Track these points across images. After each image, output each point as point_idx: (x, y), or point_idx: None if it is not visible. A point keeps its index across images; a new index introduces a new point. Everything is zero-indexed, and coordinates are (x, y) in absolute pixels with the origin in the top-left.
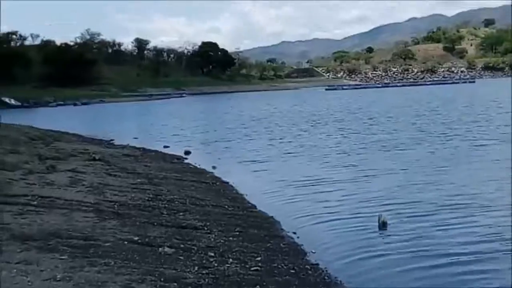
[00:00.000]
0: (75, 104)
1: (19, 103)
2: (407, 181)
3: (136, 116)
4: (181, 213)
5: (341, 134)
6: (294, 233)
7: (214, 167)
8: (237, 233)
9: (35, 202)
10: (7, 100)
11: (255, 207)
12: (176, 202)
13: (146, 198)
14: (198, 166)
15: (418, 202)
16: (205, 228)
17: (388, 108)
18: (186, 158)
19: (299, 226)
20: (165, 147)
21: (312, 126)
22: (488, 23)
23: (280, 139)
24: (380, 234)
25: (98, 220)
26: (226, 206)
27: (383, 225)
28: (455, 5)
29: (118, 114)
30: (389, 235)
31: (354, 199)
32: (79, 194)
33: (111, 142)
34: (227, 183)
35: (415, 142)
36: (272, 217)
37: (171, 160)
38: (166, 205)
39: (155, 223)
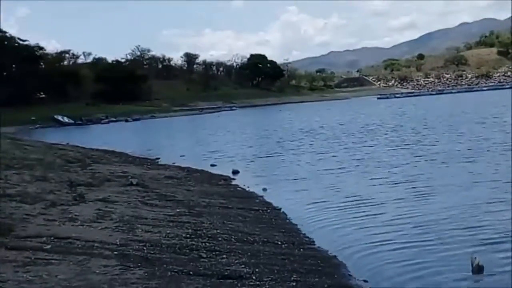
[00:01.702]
0: (126, 120)
1: (72, 121)
2: (479, 199)
3: (185, 131)
4: (224, 256)
5: (397, 146)
6: (366, 281)
7: (264, 189)
8: (294, 283)
9: (48, 246)
10: (60, 118)
11: (313, 242)
12: (220, 239)
13: (184, 235)
14: (247, 189)
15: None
16: (254, 277)
17: (447, 116)
18: (233, 179)
19: (369, 268)
20: (212, 165)
21: (364, 137)
22: None
23: (332, 153)
24: (476, 281)
25: (120, 270)
26: (279, 243)
27: (478, 270)
28: (507, 8)
29: (168, 129)
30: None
31: (426, 227)
32: (104, 232)
33: (156, 161)
34: (279, 209)
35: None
36: (335, 257)
37: (217, 181)
38: (207, 244)
39: (191, 272)
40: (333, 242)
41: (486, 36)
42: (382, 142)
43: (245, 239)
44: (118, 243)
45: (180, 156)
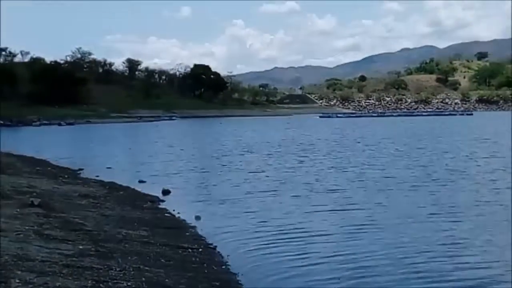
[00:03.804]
0: (60, 124)
1: (0, 122)
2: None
3: (119, 139)
4: None
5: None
6: None
7: (197, 218)
8: None
9: None
10: None
11: None
12: None
13: None
14: (177, 215)
15: None
16: None
17: (402, 140)
18: (162, 201)
19: None
20: (141, 182)
21: (307, 157)
22: (481, 56)
23: (270, 171)
24: None
25: None
26: None
27: None
28: (447, 38)
29: (101, 136)
30: None
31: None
32: None
33: (78, 172)
34: (214, 248)
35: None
36: None
37: (142, 203)
38: None
39: None
40: None
41: (426, 63)
42: (324, 163)
43: None
44: None
45: (107, 167)
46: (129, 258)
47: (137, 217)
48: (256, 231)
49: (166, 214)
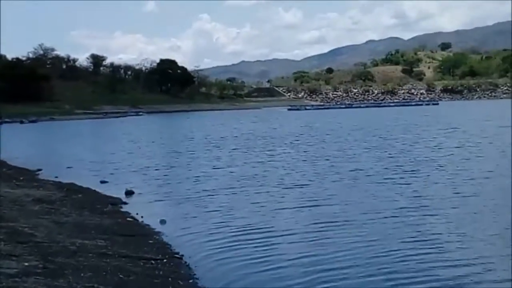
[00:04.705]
0: (21, 122)
1: None
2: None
3: (83, 136)
4: None
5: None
6: None
7: (162, 222)
8: None
9: None
10: None
11: None
12: None
13: None
14: (140, 220)
15: None
16: None
17: (387, 131)
18: (125, 203)
19: None
20: (103, 182)
21: (275, 150)
22: (445, 46)
23: (237, 167)
24: None
25: None
26: None
27: None
28: (411, 29)
29: (64, 133)
30: None
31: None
32: None
33: (36, 173)
34: (181, 258)
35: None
36: None
37: (103, 207)
38: None
39: None
40: None
41: (391, 54)
42: (293, 156)
43: None
44: None
45: (67, 167)
46: (82, 275)
47: (95, 224)
48: (223, 234)
49: (128, 219)
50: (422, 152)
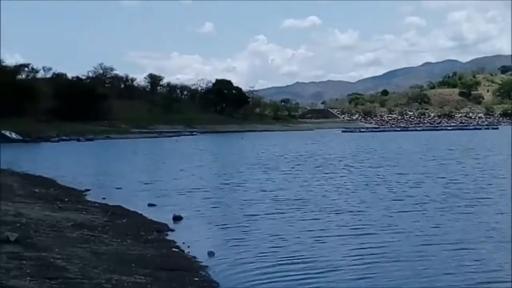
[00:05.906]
0: (78, 140)
1: (20, 137)
2: None
3: (136, 155)
4: None
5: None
6: None
7: (211, 254)
8: None
9: None
10: (7, 133)
11: None
12: None
13: None
14: (186, 251)
15: None
16: None
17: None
18: (172, 230)
19: None
20: (150, 205)
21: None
22: (505, 69)
23: (294, 189)
24: None
25: None
26: None
27: None
28: (469, 52)
29: (118, 152)
30: None
31: None
32: None
33: (84, 194)
34: None
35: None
36: None
37: (148, 234)
38: None
39: None
40: None
41: (449, 77)
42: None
43: None
44: None
45: (116, 188)
46: None
47: (136, 255)
48: (277, 268)
49: (174, 249)
50: (487, 178)
